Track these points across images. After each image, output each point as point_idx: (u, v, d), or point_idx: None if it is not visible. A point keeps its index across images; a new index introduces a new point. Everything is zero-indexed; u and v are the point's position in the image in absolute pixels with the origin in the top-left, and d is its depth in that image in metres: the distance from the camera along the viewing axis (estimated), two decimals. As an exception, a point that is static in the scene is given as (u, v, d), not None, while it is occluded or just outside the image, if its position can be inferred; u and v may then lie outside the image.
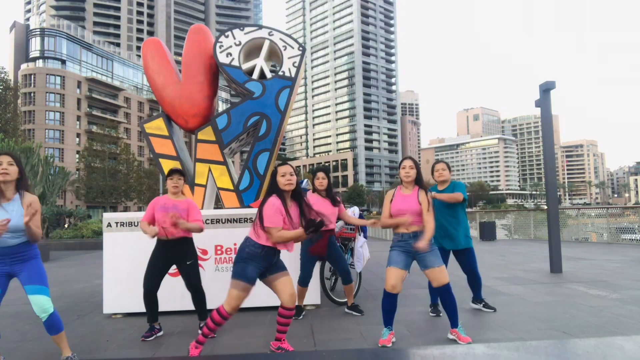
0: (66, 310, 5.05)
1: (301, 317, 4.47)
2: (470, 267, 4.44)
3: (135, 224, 4.77)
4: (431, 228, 3.40)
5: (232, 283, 3.03)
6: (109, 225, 4.74)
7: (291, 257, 4.69)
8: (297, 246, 4.58)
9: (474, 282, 4.54)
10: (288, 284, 3.08)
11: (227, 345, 3.64)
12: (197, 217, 3.82)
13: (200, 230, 3.76)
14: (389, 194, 3.64)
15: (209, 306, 4.00)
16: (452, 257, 4.49)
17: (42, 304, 2.94)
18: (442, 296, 3.48)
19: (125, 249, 4.70)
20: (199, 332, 3.89)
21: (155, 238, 3.88)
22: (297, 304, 4.53)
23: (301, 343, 3.57)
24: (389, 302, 3.47)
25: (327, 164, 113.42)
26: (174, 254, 3.83)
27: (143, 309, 4.59)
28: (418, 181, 3.55)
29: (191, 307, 4.59)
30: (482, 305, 4.58)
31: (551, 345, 1.85)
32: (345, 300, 5.08)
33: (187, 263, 3.85)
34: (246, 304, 4.55)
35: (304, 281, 4.43)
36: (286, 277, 3.10)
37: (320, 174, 4.50)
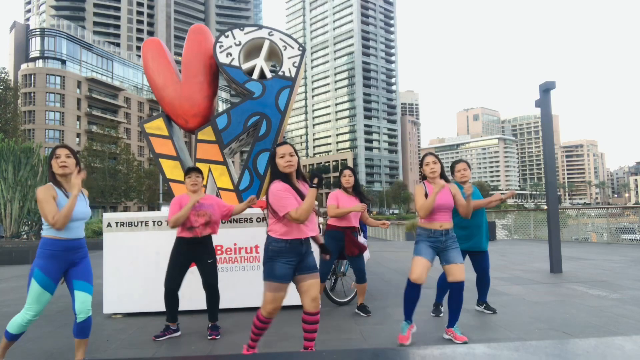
0: (66, 310, 5.04)
1: None
2: (484, 268, 4.45)
3: (136, 224, 4.77)
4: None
5: (264, 286, 2.87)
6: (109, 225, 4.74)
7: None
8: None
9: (483, 283, 4.53)
10: (313, 287, 2.86)
11: (228, 345, 3.64)
12: (226, 205, 3.98)
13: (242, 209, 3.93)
14: (420, 189, 3.56)
15: (222, 306, 4.01)
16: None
17: (87, 303, 2.90)
18: (453, 292, 3.52)
19: (125, 249, 4.70)
20: (208, 332, 3.89)
21: (174, 236, 3.89)
22: (301, 303, 4.52)
23: (301, 343, 3.56)
24: (414, 292, 3.49)
25: (327, 164, 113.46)
26: (196, 251, 3.82)
27: (143, 309, 4.62)
28: (442, 175, 3.59)
29: (191, 307, 4.61)
30: (483, 307, 4.58)
31: (551, 345, 1.85)
32: (346, 300, 5.09)
33: (209, 261, 3.86)
34: (247, 304, 4.58)
35: (321, 277, 4.42)
36: (313, 280, 2.87)
37: (347, 172, 4.53)
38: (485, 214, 4.45)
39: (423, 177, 3.64)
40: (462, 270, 3.47)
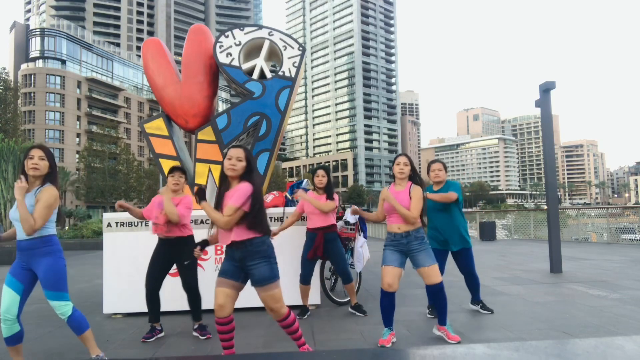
0: (66, 310, 5.06)
1: (306, 317, 4.45)
2: (468, 268, 4.38)
3: (135, 224, 4.77)
4: (409, 214, 3.33)
5: None
6: (109, 225, 4.74)
7: (292, 255, 4.69)
8: (300, 244, 4.56)
9: (472, 283, 4.49)
10: (266, 300, 2.85)
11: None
12: (182, 211, 3.74)
13: (176, 220, 3.65)
14: (383, 192, 3.56)
15: (209, 306, 3.99)
16: (450, 257, 4.46)
17: (58, 308, 2.92)
18: (433, 295, 3.48)
19: (125, 249, 4.70)
20: (194, 333, 3.90)
21: (157, 237, 3.89)
22: (301, 303, 4.53)
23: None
24: (388, 301, 3.47)
25: (327, 164, 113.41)
26: (174, 252, 3.81)
27: (143, 309, 4.60)
28: (413, 178, 3.52)
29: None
30: (479, 307, 4.55)
31: (551, 345, 1.85)
32: (346, 300, 5.08)
33: (185, 263, 3.82)
34: (246, 304, 4.57)
35: (305, 279, 4.42)
36: (262, 293, 2.84)
37: (320, 172, 4.49)
38: (457, 213, 4.30)
39: (393, 176, 3.59)
40: (435, 272, 3.39)
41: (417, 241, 3.41)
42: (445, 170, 4.36)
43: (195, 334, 3.92)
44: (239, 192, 2.77)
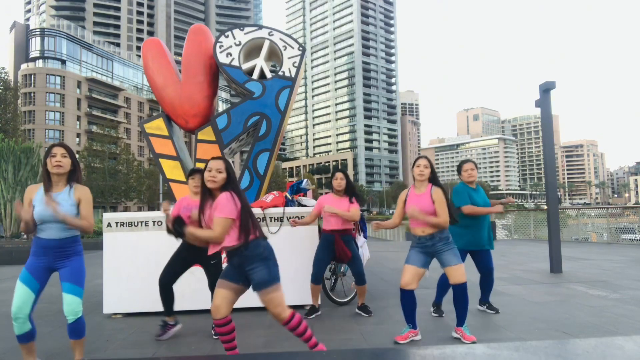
0: (66, 310, 5.05)
1: (313, 316, 4.43)
2: (487, 268, 4.44)
3: (135, 224, 4.77)
4: (441, 220, 3.39)
5: None
6: (109, 225, 4.74)
7: (292, 255, 4.69)
8: (313, 242, 4.55)
9: (488, 283, 4.53)
10: (267, 304, 2.82)
11: (227, 345, 3.63)
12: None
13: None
14: (402, 194, 3.62)
15: (207, 307, 3.99)
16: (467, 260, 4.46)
17: (74, 305, 2.86)
18: (456, 294, 3.51)
19: (125, 249, 4.70)
20: (214, 332, 3.88)
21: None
22: (300, 303, 4.52)
23: (301, 343, 3.57)
24: (406, 298, 3.51)
25: (327, 164, 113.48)
26: (198, 255, 3.78)
27: (143, 309, 4.62)
28: (433, 180, 3.55)
29: (191, 307, 4.61)
30: (486, 307, 4.57)
31: (551, 345, 1.85)
32: (346, 300, 5.09)
33: (212, 262, 3.83)
34: (246, 304, 4.57)
35: (316, 279, 4.40)
36: (263, 297, 2.80)
37: (339, 174, 4.43)
38: (487, 215, 4.41)
39: (413, 178, 3.62)
40: (461, 272, 3.46)
41: (442, 242, 3.46)
42: (477, 169, 4.44)
43: (212, 332, 3.90)
44: (220, 203, 2.77)
